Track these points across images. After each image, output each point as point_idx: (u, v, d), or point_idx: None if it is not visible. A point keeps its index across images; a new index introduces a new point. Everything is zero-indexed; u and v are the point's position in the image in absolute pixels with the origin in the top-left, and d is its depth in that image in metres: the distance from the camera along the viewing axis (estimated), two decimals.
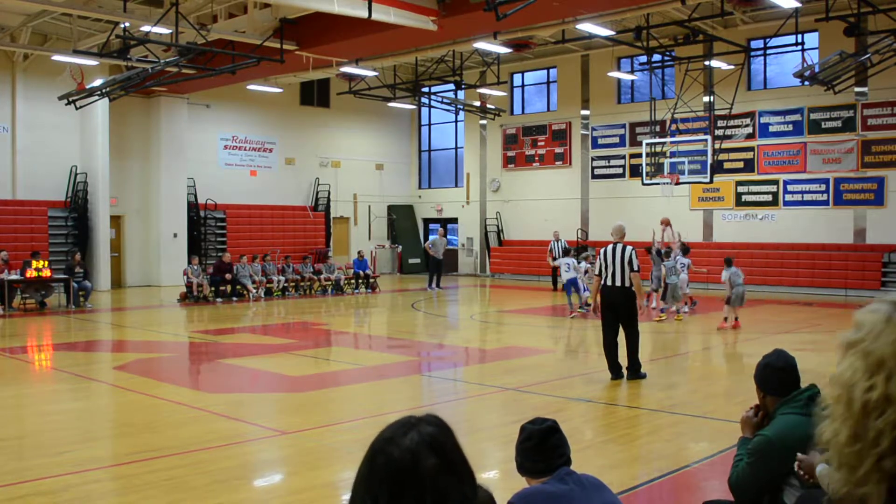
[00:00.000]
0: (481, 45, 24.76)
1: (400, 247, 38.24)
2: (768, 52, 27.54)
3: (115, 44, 23.41)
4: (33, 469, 7.82)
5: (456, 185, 38.91)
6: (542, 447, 3.77)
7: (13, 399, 11.60)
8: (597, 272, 12.49)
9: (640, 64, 29.18)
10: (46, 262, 23.76)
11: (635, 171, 30.95)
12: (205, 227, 32.00)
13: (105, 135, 29.09)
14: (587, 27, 21.61)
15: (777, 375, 4.47)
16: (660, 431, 9.36)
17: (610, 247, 12.36)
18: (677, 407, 10.46)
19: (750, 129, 29.47)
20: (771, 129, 29.10)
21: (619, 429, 9.54)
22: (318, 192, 36.11)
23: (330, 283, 28.78)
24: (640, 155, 28.49)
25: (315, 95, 36.11)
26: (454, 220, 38.82)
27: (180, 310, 23.93)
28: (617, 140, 32.94)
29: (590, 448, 8.49)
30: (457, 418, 10.48)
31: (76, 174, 29.16)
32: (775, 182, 28.97)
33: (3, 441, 9.05)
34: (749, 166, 29.51)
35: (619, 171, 32.89)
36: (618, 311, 12.25)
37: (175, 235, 30.96)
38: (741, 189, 29.76)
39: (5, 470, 7.80)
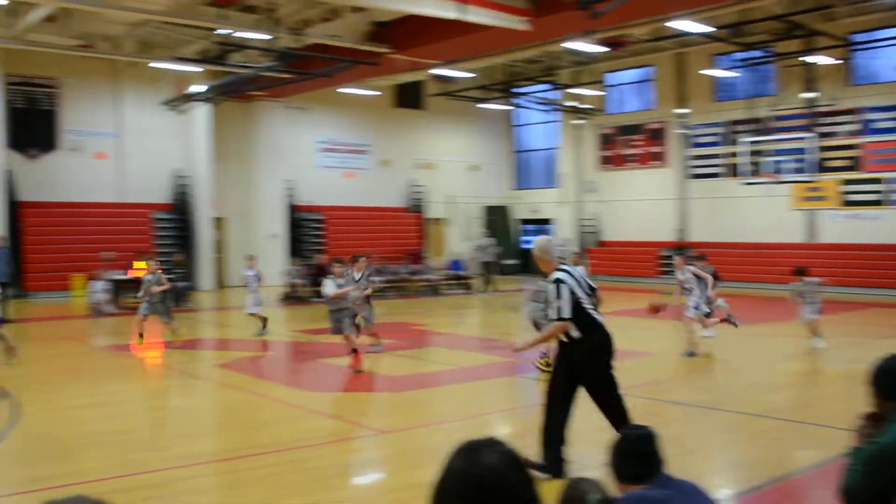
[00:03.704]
0: (574, 44, 24.58)
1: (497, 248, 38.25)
2: (873, 45, 26.70)
3: (215, 50, 24.03)
4: (141, 462, 8.07)
5: (551, 186, 38.71)
6: (639, 453, 3.74)
7: (122, 395, 11.99)
8: (565, 313, 7.33)
9: (739, 60, 28.62)
10: (152, 264, 24.44)
11: (735, 171, 30.34)
12: (303, 228, 32.55)
13: (206, 139, 29.93)
14: (682, 24, 21.29)
15: (894, 379, 4.34)
16: (761, 437, 9.16)
17: (577, 269, 7.97)
18: (780, 412, 10.23)
19: (855, 126, 28.60)
20: (877, 125, 28.17)
21: (718, 434, 9.38)
22: (413, 194, 36.37)
23: (426, 283, 28.96)
24: (739, 154, 27.94)
25: (409, 98, 36.34)
26: (550, 222, 38.64)
27: (281, 309, 24.37)
28: (715, 139, 32.34)
29: (688, 454, 8.35)
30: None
31: (179, 178, 30.00)
32: (882, 181, 28.05)
33: (112, 435, 9.37)
34: (854, 165, 28.63)
35: (718, 170, 32.26)
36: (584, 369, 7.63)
37: (274, 237, 31.57)
38: (846, 188, 28.88)
39: (115, 463, 8.06)
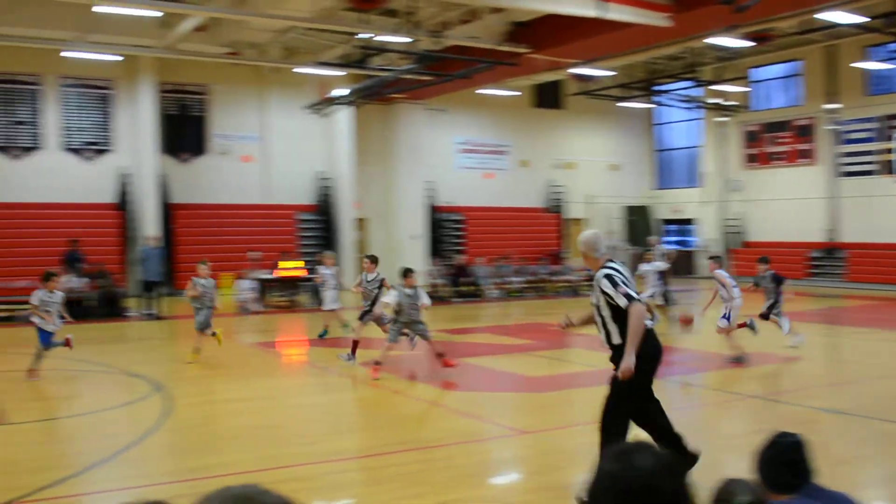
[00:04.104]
0: (718, 39, 23.85)
1: (637, 249, 37.66)
2: None
3: (356, 54, 24.50)
4: (286, 457, 8.28)
5: (694, 186, 37.85)
6: (788, 461, 3.62)
7: (268, 390, 12.34)
8: (634, 294, 6.85)
9: (894, 51, 27.33)
10: (303, 262, 25.22)
11: (890, 168, 28.96)
12: (443, 228, 32.86)
13: (348, 141, 30.62)
14: (832, 15, 20.45)
15: None
16: None
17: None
18: None
19: None
20: None
21: (872, 444, 8.95)
22: (552, 194, 36.18)
23: (566, 284, 28.77)
24: (894, 150, 26.66)
25: (548, 97, 36.15)
26: (692, 222, 37.79)
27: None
28: (868, 134, 30.94)
29: (840, 464, 8.00)
30: (696, 425, 10.21)
31: (322, 179, 30.75)
32: None
33: (258, 429, 9.65)
34: None
35: (872, 167, 30.85)
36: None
37: (414, 237, 31.94)
38: None
39: (261, 456, 8.30)
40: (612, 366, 6.91)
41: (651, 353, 6.90)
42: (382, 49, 23.00)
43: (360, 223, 31.80)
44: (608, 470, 2.07)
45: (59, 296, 13.16)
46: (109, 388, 12.86)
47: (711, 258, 15.70)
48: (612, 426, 6.86)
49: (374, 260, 14.79)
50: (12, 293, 20.92)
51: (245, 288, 23.89)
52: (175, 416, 10.28)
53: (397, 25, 22.10)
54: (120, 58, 25.98)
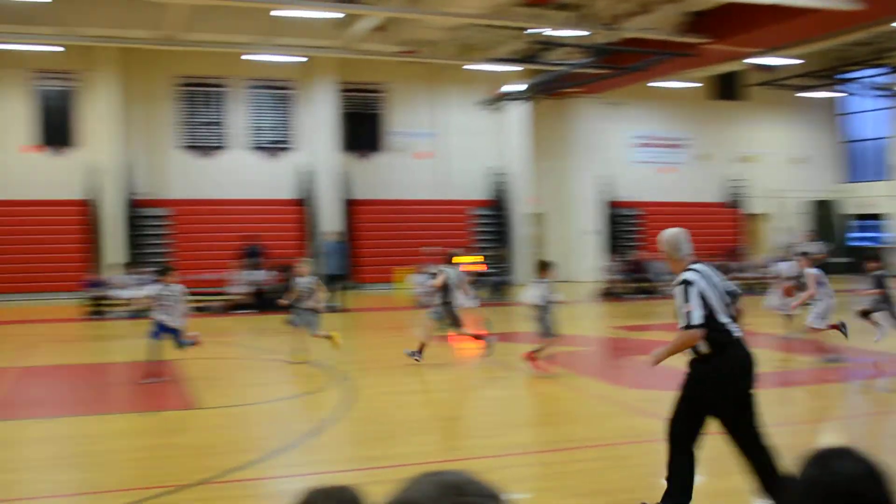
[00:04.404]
0: None
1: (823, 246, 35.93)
2: None
3: (528, 49, 24.50)
4: (462, 449, 8.39)
5: (886, 178, 35.77)
6: None
7: (445, 383, 12.57)
8: (695, 319, 5.97)
9: None
10: (482, 258, 25.56)
11: None
12: (619, 224, 32.45)
13: (522, 137, 30.69)
14: None
15: None
16: None
17: (706, 266, 6.49)
18: None
19: None
20: None
21: None
22: (732, 188, 35.08)
23: (745, 281, 27.85)
24: None
25: (726, 89, 35.07)
26: (882, 217, 35.73)
27: (598, 305, 24.39)
28: None
29: None
30: (883, 432, 9.71)
31: (496, 175, 30.91)
32: None
33: (434, 421, 9.82)
34: None
35: None
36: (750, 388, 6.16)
37: (589, 232, 31.69)
38: None
39: (437, 448, 8.44)
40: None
41: (730, 370, 6.14)
42: (556, 43, 22.91)
43: (537, 218, 31.80)
44: (809, 475, 2.01)
45: (177, 289, 12.54)
46: (294, 378, 13.35)
47: (802, 254, 14.92)
48: (676, 441, 6.43)
49: (446, 257, 14.42)
50: (202, 285, 22.03)
51: (420, 282, 24.29)
52: (357, 405, 10.56)
53: (570, 19, 21.95)
54: (303, 59, 26.89)
